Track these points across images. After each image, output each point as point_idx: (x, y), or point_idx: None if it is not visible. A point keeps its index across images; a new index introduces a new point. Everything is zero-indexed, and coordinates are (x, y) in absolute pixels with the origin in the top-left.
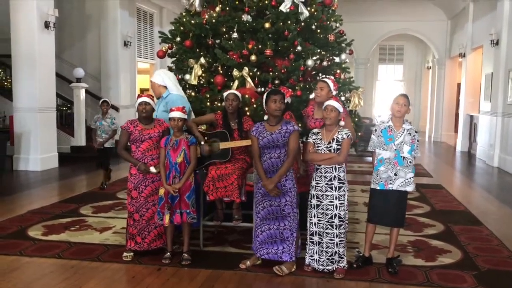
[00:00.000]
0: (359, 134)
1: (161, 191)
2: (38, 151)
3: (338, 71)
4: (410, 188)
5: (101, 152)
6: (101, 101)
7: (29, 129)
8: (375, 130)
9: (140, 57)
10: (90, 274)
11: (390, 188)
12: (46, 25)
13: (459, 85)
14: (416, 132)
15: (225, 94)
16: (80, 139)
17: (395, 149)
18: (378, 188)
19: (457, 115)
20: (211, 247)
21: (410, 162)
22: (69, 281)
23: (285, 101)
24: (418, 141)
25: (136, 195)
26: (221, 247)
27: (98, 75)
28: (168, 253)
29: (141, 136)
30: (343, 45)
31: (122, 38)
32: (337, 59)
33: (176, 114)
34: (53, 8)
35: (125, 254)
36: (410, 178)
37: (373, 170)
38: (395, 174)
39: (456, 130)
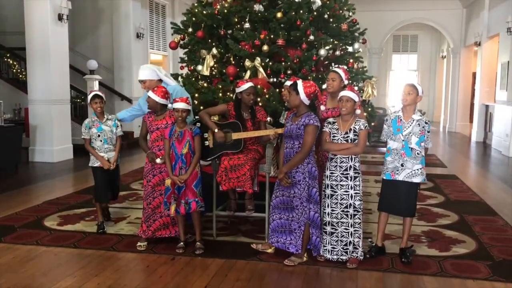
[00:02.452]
0: (372, 124)
1: (168, 182)
2: (53, 143)
3: (351, 60)
4: (417, 179)
5: (111, 174)
6: (90, 95)
7: (44, 121)
8: (386, 120)
9: (152, 48)
10: (105, 263)
11: (396, 179)
12: (60, 17)
13: (474, 74)
14: (426, 123)
15: (244, 87)
16: None
17: (402, 140)
18: (384, 178)
19: (472, 105)
20: (224, 237)
21: (418, 153)
22: (85, 270)
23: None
24: (428, 132)
25: (145, 184)
26: (234, 237)
27: (111, 67)
28: (182, 243)
29: (151, 127)
30: (356, 34)
31: (134, 30)
32: (350, 49)
33: (180, 105)
34: (66, 0)
35: (139, 243)
36: (417, 169)
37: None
38: (402, 165)
39: (471, 120)
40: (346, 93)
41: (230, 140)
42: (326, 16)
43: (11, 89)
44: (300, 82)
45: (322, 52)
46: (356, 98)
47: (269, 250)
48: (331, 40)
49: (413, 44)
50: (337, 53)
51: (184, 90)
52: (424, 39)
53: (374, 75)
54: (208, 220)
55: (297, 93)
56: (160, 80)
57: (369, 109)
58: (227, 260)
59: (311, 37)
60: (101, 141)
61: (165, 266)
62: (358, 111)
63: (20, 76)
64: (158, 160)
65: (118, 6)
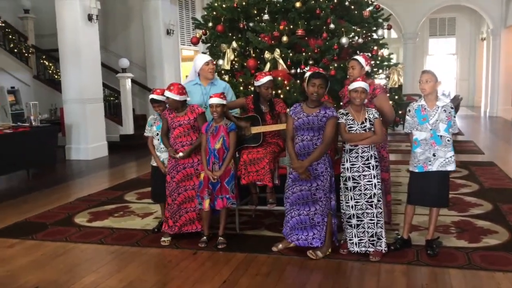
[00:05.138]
0: (400, 112)
1: (202, 176)
2: (88, 141)
3: (375, 47)
4: (451, 167)
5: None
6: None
7: (78, 120)
8: (409, 110)
9: (183, 44)
10: (129, 259)
11: (430, 170)
12: (89, 17)
13: None
14: (452, 107)
15: (263, 80)
16: (128, 127)
17: (430, 129)
18: (416, 170)
19: None
20: (247, 231)
21: (448, 140)
22: (109, 265)
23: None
24: (454, 116)
25: (169, 180)
26: (257, 230)
27: (144, 64)
28: (205, 237)
29: (172, 123)
30: (380, 20)
31: (164, 27)
32: (375, 36)
33: (214, 100)
34: (95, 1)
35: (163, 238)
36: (450, 157)
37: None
38: (434, 155)
39: None
40: (360, 83)
41: (249, 134)
42: (347, 3)
43: (47, 90)
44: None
45: (344, 40)
46: (368, 88)
47: (291, 245)
48: (353, 27)
49: (451, 27)
50: (360, 40)
51: (230, 88)
52: (462, 22)
53: (409, 60)
54: (231, 214)
55: (327, 86)
56: None
57: (396, 96)
58: (248, 254)
59: (332, 26)
60: (158, 139)
61: (187, 261)
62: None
63: (56, 76)
64: (180, 154)
65: (148, 4)
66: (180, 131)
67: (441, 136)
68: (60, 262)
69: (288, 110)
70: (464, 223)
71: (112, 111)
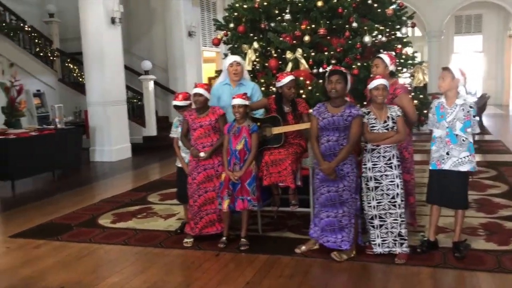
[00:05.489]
0: (425, 111)
1: (223, 176)
2: (111, 143)
3: (399, 46)
4: (464, 168)
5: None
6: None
7: (102, 122)
8: (431, 108)
9: (205, 46)
10: (152, 260)
11: (442, 168)
12: (113, 21)
13: None
14: (471, 107)
15: (285, 81)
16: (151, 129)
17: (447, 127)
18: (430, 168)
19: None
20: (269, 232)
21: (463, 140)
22: (132, 266)
23: (346, 81)
24: (474, 116)
25: (190, 181)
26: (280, 232)
27: (166, 66)
28: (224, 238)
29: (193, 125)
30: (404, 18)
31: (186, 29)
32: (398, 34)
33: (237, 101)
34: (118, 4)
35: (185, 240)
36: (464, 157)
37: None
38: (447, 153)
39: None
40: (380, 81)
41: (270, 134)
42: (369, 1)
43: (72, 93)
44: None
45: (367, 39)
46: (389, 85)
47: (314, 247)
48: (376, 26)
49: (477, 24)
50: (384, 39)
51: (259, 88)
52: (489, 18)
53: (434, 59)
54: (253, 215)
55: (346, 83)
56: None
57: (421, 96)
58: (271, 255)
59: (355, 24)
60: None
61: (209, 262)
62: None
63: (80, 79)
64: (202, 154)
65: (170, 6)
66: (201, 132)
67: (456, 135)
68: (84, 263)
69: (310, 110)
70: (492, 225)
71: (135, 113)
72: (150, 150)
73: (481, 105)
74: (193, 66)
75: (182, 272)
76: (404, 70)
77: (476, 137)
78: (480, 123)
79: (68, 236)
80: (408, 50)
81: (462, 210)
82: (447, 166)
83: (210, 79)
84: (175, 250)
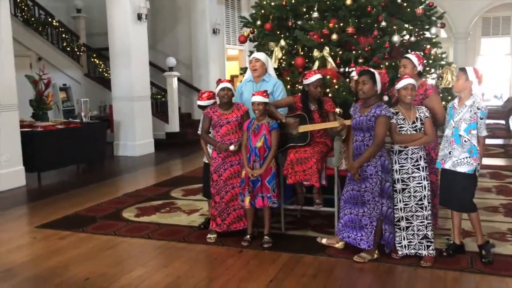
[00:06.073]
0: None
1: (243, 173)
2: (135, 138)
3: (428, 46)
4: (461, 169)
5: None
6: (206, 101)
7: (126, 117)
8: (446, 109)
9: (229, 43)
10: (176, 254)
11: (445, 167)
12: (139, 17)
13: None
14: (479, 108)
15: (312, 79)
16: (174, 125)
17: (453, 126)
18: (436, 166)
19: None
20: (292, 231)
21: (465, 141)
22: (156, 260)
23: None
24: (481, 119)
25: (216, 178)
26: (303, 231)
27: (190, 63)
28: (248, 236)
29: (219, 121)
30: (433, 18)
31: (211, 26)
32: (427, 34)
33: (257, 98)
34: (144, 0)
35: (209, 235)
36: (463, 158)
37: None
38: (449, 153)
39: None
40: (408, 80)
41: (296, 132)
42: (399, 0)
43: (97, 87)
44: (375, 71)
45: (395, 38)
46: (416, 84)
47: (337, 245)
48: (405, 25)
49: (505, 26)
50: (412, 39)
51: (282, 85)
52: None
53: (461, 60)
54: (276, 213)
55: (374, 82)
56: (266, 70)
57: (449, 97)
58: (294, 254)
59: (383, 23)
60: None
61: (233, 259)
62: (386, 98)
63: (105, 74)
64: (232, 147)
65: (195, 3)
66: (228, 129)
67: (460, 135)
68: (109, 255)
69: (337, 109)
70: None
71: (159, 109)
72: (173, 146)
73: (508, 109)
74: (217, 64)
75: (205, 267)
76: (432, 71)
77: (502, 141)
78: (507, 127)
79: (92, 228)
80: (437, 51)
81: (471, 213)
82: (447, 165)
83: (232, 77)
84: (199, 246)
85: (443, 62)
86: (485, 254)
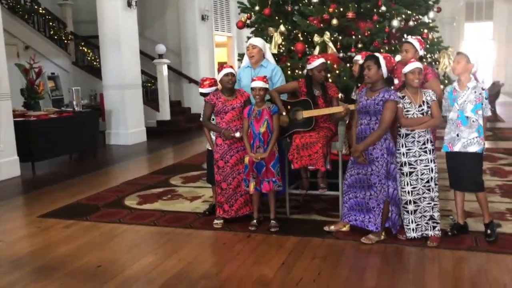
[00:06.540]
0: None
1: (246, 159)
2: (127, 126)
3: (425, 31)
4: (472, 148)
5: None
6: (208, 88)
7: (118, 105)
8: (443, 93)
9: (217, 30)
10: (184, 241)
11: (454, 150)
12: (129, 4)
13: None
14: (483, 89)
15: (315, 63)
16: (165, 113)
17: (458, 109)
18: (442, 150)
19: None
20: (297, 215)
21: (473, 121)
22: (165, 247)
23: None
24: (486, 99)
25: (222, 165)
26: (307, 215)
27: (179, 51)
28: (254, 221)
29: (224, 108)
30: (430, 2)
31: (199, 13)
32: (424, 19)
33: (258, 84)
34: None
35: (215, 221)
36: (473, 138)
37: None
38: (458, 135)
39: None
40: (416, 64)
41: (301, 118)
42: None
43: (86, 76)
44: (380, 56)
45: (395, 23)
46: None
47: (344, 229)
48: (404, 10)
49: (488, 11)
50: (411, 23)
51: (281, 71)
52: (500, 5)
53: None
54: (281, 198)
55: (379, 67)
56: (263, 56)
57: (446, 81)
58: (302, 238)
59: (383, 8)
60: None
61: (241, 244)
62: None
63: (95, 63)
64: (237, 134)
65: None
66: (233, 115)
67: (467, 117)
68: (117, 243)
69: (340, 94)
70: None
71: (149, 97)
72: (165, 134)
73: (494, 93)
74: (206, 50)
75: (215, 252)
76: (429, 55)
77: (488, 125)
78: (493, 111)
79: (96, 216)
80: (434, 35)
81: (479, 192)
82: (457, 148)
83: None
84: (206, 232)
85: (440, 47)
86: (490, 233)
